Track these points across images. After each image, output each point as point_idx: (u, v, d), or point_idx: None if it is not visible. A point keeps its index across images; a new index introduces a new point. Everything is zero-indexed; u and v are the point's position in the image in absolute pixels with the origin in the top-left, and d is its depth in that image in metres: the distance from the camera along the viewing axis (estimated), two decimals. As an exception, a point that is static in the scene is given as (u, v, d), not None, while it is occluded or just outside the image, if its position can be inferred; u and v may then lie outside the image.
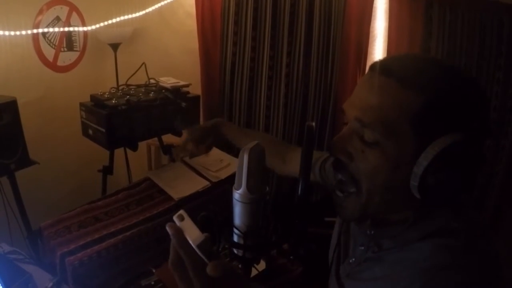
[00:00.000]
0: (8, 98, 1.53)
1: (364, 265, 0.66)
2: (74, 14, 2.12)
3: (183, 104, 1.76)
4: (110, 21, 2.16)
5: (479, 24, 1.79)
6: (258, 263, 0.67)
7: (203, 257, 0.50)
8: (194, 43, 2.28)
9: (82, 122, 1.70)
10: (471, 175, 0.55)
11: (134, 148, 1.72)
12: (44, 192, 2.04)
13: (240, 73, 2.27)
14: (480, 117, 0.56)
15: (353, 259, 0.70)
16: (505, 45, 1.78)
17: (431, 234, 0.58)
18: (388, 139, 0.56)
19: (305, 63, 2.15)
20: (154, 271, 1.29)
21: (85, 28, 2.17)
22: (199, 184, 1.65)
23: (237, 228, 0.62)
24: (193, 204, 1.54)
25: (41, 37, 2.00)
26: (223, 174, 1.73)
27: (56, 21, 2.04)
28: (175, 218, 0.54)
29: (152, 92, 1.75)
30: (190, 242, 0.51)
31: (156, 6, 2.27)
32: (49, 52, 2.06)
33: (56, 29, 2.05)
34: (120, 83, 1.94)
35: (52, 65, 2.10)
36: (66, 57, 2.17)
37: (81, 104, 1.67)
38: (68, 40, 2.16)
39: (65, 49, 2.15)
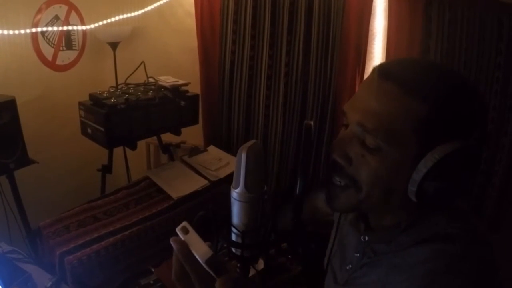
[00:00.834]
0: (7, 97, 1.53)
1: (361, 271, 0.66)
2: (73, 13, 2.12)
3: (182, 103, 1.76)
4: (109, 20, 2.16)
5: (479, 22, 1.79)
6: (256, 262, 0.67)
7: (211, 272, 0.49)
8: (193, 42, 2.28)
9: (81, 121, 1.69)
10: (468, 181, 0.56)
11: (133, 147, 1.72)
12: (43, 191, 2.04)
13: (239, 71, 2.26)
14: (480, 125, 0.57)
15: (350, 266, 0.70)
16: (505, 44, 1.78)
17: (427, 239, 0.58)
18: (390, 145, 0.56)
19: (304, 62, 2.14)
20: (153, 270, 1.29)
21: (84, 27, 2.17)
22: (198, 183, 1.65)
23: (235, 227, 0.62)
24: (192, 203, 1.54)
25: (40, 36, 1.99)
26: (222, 173, 1.73)
27: (55, 20, 2.04)
28: (178, 231, 0.52)
29: (151, 91, 1.75)
30: (197, 257, 0.49)
31: (155, 5, 2.26)
32: (48, 51, 2.06)
33: (55, 28, 2.04)
34: (119, 82, 1.93)
35: (51, 64, 2.10)
36: (65, 56, 2.17)
37: (80, 103, 1.67)
38: (67, 39, 2.16)
39: (64, 48, 2.15)
